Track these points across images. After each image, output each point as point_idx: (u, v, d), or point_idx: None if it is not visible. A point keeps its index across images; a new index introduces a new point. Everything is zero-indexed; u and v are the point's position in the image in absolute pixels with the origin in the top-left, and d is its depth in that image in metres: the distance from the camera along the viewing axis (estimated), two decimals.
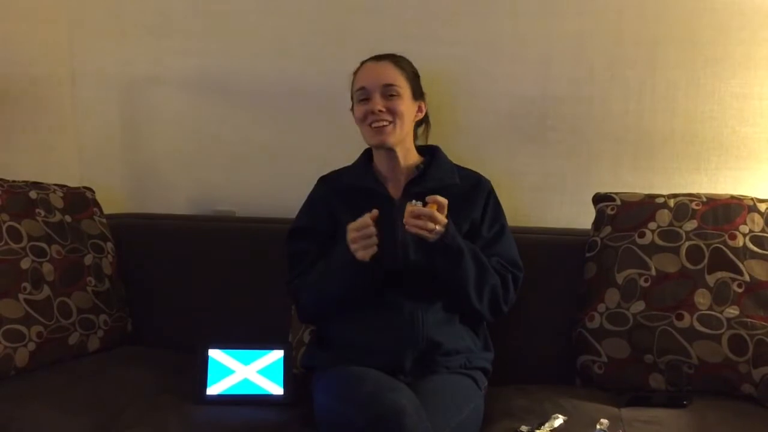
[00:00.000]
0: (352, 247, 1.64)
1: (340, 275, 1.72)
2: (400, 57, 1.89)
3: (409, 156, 1.88)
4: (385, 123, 1.79)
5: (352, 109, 1.88)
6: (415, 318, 1.71)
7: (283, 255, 1.90)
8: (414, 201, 1.65)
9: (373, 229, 1.63)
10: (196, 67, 2.43)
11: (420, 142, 2.00)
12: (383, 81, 1.81)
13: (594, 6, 2.16)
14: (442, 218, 1.64)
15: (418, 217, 1.62)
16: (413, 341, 1.70)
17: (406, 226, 1.64)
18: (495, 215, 1.86)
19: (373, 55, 1.90)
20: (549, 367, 1.97)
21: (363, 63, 1.88)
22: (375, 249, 1.64)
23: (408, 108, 1.83)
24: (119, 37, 2.46)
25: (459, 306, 1.77)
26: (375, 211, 1.65)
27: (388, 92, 1.80)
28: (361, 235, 1.63)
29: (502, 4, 2.21)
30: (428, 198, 1.65)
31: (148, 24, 2.44)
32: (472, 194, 1.86)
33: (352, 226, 1.66)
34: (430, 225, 1.62)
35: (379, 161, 1.88)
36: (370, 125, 1.80)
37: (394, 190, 1.85)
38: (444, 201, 1.65)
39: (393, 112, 1.79)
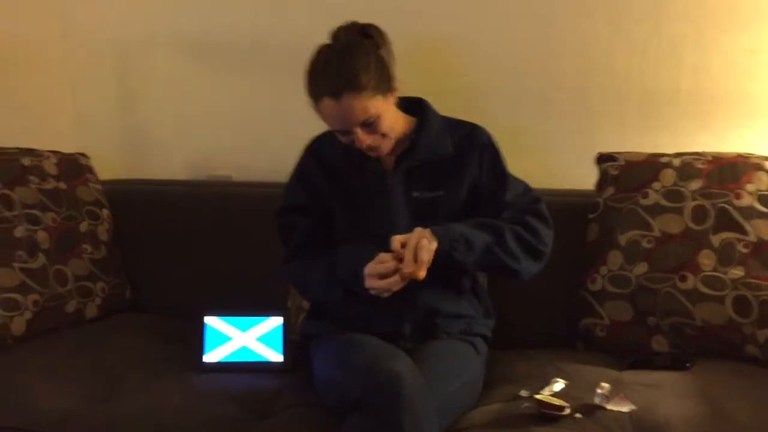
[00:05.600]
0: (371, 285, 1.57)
1: (334, 287, 1.68)
2: (356, 71, 1.55)
3: (397, 130, 1.71)
4: (375, 147, 1.64)
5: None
6: (413, 284, 1.66)
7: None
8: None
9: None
10: (191, 28, 2.38)
11: None
12: (355, 121, 1.58)
13: None
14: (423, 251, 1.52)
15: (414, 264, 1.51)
16: (412, 308, 1.67)
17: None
18: (492, 165, 1.74)
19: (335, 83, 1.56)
20: (551, 331, 1.95)
21: (319, 99, 1.58)
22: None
23: (390, 113, 1.64)
24: None
25: (507, 278, 1.69)
26: (395, 244, 1.54)
27: (366, 123, 1.59)
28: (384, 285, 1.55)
29: None
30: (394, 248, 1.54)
31: None
32: (464, 156, 1.73)
33: (372, 270, 1.56)
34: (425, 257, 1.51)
35: None
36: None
37: (386, 161, 1.74)
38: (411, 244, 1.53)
39: (380, 134, 1.63)
